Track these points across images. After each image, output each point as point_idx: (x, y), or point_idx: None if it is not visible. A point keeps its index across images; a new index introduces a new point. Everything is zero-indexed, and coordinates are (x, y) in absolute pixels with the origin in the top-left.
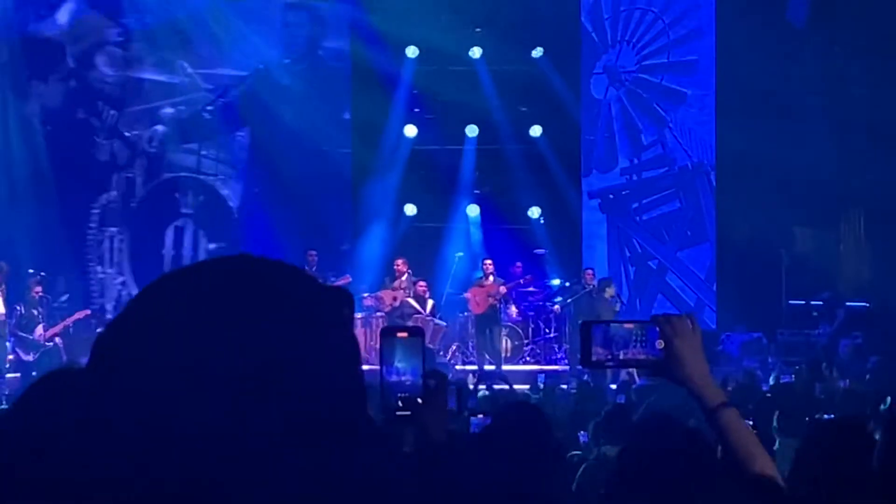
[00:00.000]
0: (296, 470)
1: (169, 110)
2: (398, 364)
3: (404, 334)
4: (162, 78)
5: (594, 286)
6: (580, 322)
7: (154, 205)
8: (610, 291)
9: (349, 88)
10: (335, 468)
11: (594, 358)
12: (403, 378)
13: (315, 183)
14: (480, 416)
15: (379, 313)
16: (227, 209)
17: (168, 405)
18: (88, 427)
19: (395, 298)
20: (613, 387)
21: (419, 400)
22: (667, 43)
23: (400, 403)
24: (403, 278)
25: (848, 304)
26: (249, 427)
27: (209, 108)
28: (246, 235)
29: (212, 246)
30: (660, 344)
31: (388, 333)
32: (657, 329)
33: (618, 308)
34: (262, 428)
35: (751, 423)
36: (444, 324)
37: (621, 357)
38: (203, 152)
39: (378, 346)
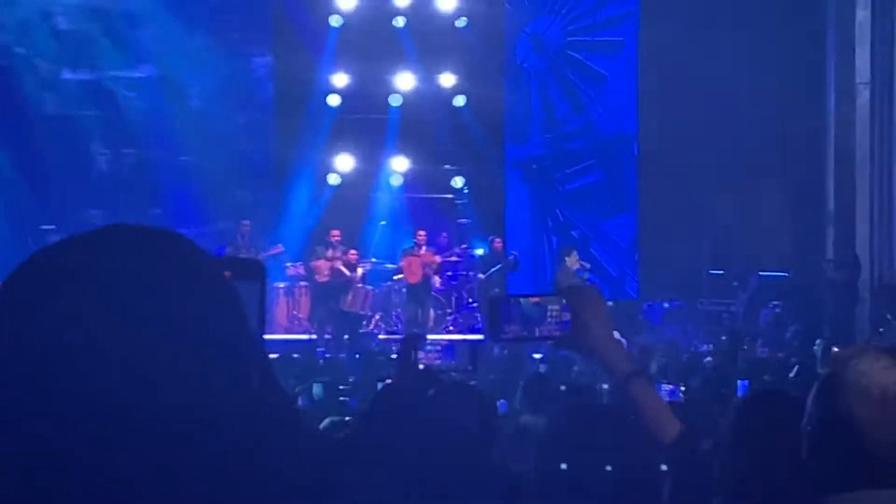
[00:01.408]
0: (182, 445)
1: None
2: None
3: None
4: None
5: (513, 258)
6: (488, 296)
7: None
8: (572, 260)
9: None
10: (219, 443)
11: (502, 334)
12: None
13: (238, 152)
14: (388, 380)
15: (303, 283)
16: None
17: (56, 383)
18: None
19: (331, 268)
20: (537, 356)
21: None
22: (594, 12)
23: None
24: (338, 249)
25: (763, 273)
26: (133, 398)
27: None
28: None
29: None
30: (566, 316)
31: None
32: (563, 301)
33: (585, 277)
34: (148, 399)
35: (682, 388)
36: (372, 289)
37: (528, 332)
38: None
39: (299, 314)
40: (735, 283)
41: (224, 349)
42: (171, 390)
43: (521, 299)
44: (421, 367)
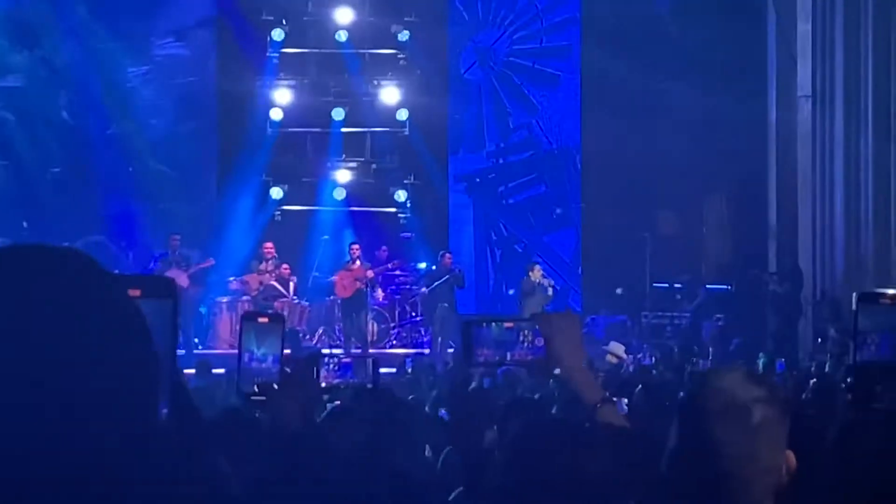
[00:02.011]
0: (82, 466)
1: None
2: (257, 349)
3: (265, 320)
4: None
5: (458, 271)
6: (462, 322)
7: None
8: (536, 274)
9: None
10: (120, 463)
11: (477, 358)
12: (262, 363)
13: (181, 166)
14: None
15: (245, 297)
16: None
17: None
18: None
19: (260, 283)
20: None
21: (275, 385)
22: (539, 28)
23: (256, 388)
24: (270, 262)
25: (708, 286)
26: (38, 418)
27: None
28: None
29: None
30: (540, 342)
31: (249, 318)
32: (537, 327)
33: (551, 293)
34: (54, 419)
35: (626, 402)
36: (308, 305)
37: (500, 356)
38: None
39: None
40: (678, 297)
41: (129, 368)
42: (78, 409)
43: (495, 323)
44: (323, 384)
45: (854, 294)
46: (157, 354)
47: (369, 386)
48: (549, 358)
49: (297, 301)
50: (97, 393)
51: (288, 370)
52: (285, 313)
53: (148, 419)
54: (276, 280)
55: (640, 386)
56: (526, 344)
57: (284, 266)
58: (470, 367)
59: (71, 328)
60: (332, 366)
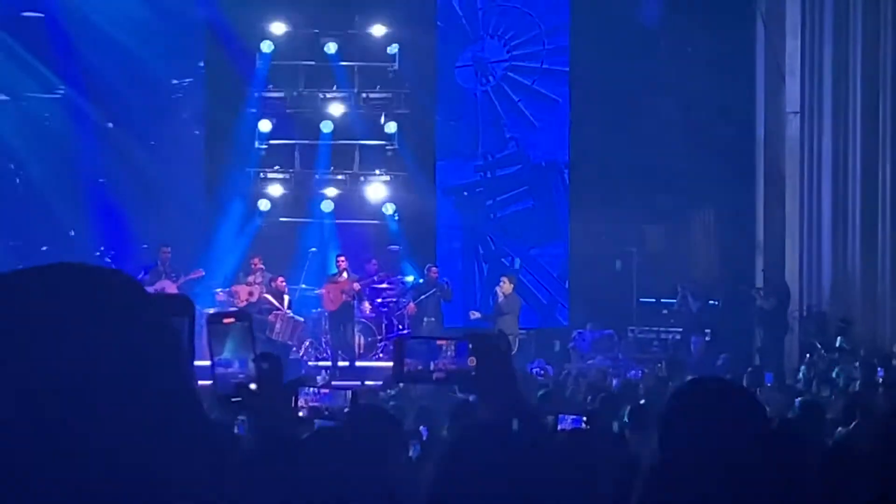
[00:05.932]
0: (131, 474)
1: None
2: (228, 351)
3: (231, 320)
4: None
5: (445, 284)
6: (394, 338)
7: None
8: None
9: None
10: (167, 469)
11: (404, 371)
12: (234, 365)
13: (168, 177)
14: (326, 421)
15: (233, 309)
16: None
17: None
18: None
19: (250, 294)
20: None
21: (252, 386)
22: (541, 49)
23: (235, 390)
24: (258, 274)
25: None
26: (77, 433)
27: None
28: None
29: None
30: (471, 361)
31: (214, 321)
32: (469, 346)
33: (521, 301)
34: (91, 434)
35: (584, 419)
36: (303, 319)
37: (433, 371)
38: None
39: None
40: (665, 312)
41: (163, 389)
42: (113, 429)
43: (429, 340)
44: (301, 413)
45: None
46: (184, 372)
47: (346, 410)
48: (479, 376)
49: (290, 315)
50: (131, 408)
51: (265, 367)
52: (278, 326)
53: (182, 434)
54: (269, 293)
55: (628, 407)
56: (451, 359)
57: (280, 278)
58: (397, 380)
59: (117, 347)
60: (310, 394)
